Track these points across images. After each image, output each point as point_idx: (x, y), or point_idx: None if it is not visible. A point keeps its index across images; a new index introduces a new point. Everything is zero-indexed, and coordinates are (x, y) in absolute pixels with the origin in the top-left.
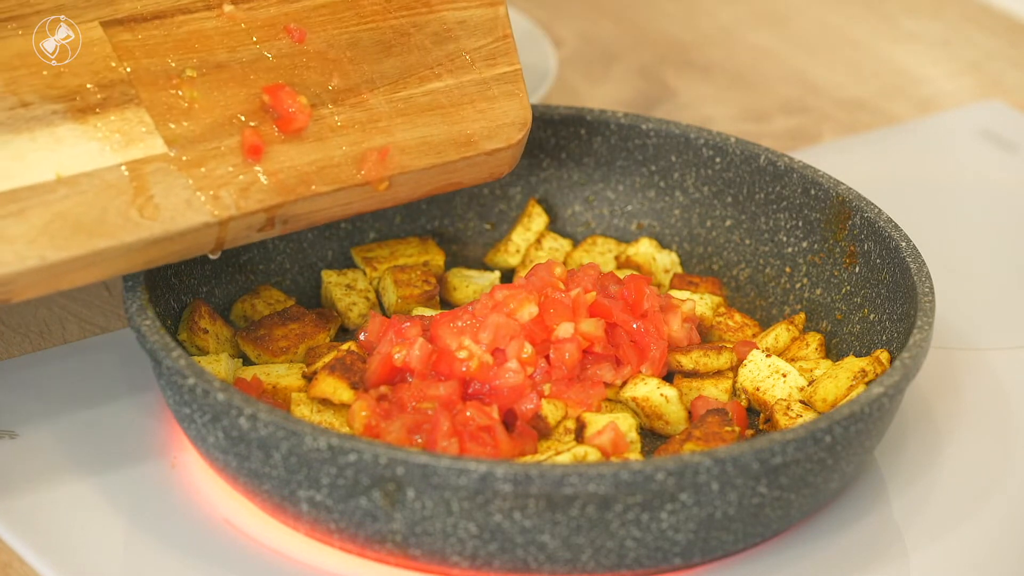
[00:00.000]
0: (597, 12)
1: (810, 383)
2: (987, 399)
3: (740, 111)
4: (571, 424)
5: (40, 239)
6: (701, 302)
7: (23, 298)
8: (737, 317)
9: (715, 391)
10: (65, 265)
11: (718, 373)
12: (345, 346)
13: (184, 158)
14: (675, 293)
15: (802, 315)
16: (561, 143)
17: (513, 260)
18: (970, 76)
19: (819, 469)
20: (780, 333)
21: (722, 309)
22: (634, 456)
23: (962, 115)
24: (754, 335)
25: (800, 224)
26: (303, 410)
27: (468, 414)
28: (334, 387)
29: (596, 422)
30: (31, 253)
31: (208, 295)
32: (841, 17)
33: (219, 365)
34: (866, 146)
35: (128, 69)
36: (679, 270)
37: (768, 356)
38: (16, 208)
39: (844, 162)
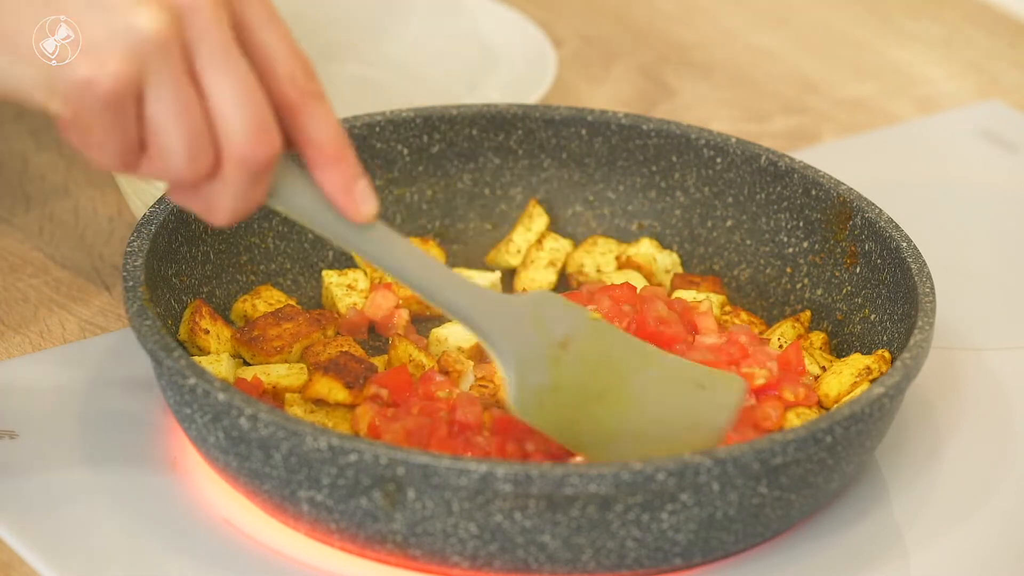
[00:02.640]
0: (597, 12)
1: (814, 378)
2: (988, 399)
3: (740, 111)
4: None
5: None
6: (707, 302)
7: None
8: (743, 315)
9: None
10: None
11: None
12: (340, 345)
13: None
14: (680, 293)
15: (807, 312)
16: (562, 143)
17: (514, 260)
18: (970, 76)
19: (819, 469)
20: (786, 330)
21: (728, 308)
22: None
23: (962, 115)
24: (760, 333)
25: (801, 224)
26: (296, 410)
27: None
28: (329, 388)
29: None
30: None
31: (209, 295)
32: (841, 17)
33: (220, 365)
34: (866, 146)
35: None
36: (680, 270)
37: None
38: None
39: (844, 162)
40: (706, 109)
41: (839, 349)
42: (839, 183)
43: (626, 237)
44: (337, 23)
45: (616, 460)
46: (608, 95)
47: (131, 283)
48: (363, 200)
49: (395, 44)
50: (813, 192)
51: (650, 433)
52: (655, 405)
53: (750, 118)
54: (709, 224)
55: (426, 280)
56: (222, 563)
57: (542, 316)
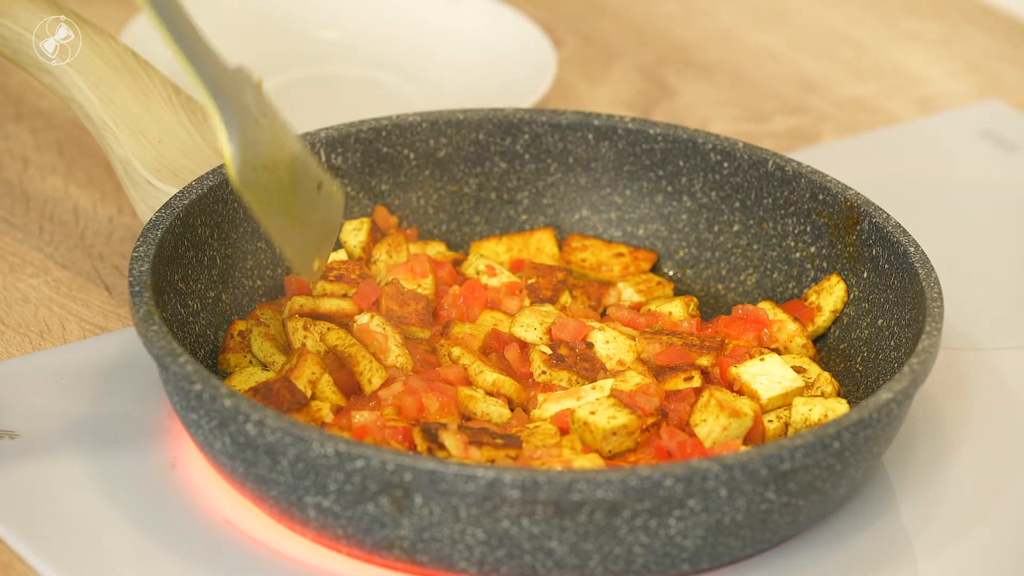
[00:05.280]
0: (597, 12)
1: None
2: (994, 400)
3: (740, 111)
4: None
5: None
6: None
7: None
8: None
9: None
10: None
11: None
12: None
13: None
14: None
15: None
16: (568, 148)
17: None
18: (970, 76)
19: (827, 475)
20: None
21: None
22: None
23: (962, 115)
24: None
25: (808, 229)
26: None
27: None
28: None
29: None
30: None
31: (215, 300)
32: (841, 17)
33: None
34: (866, 146)
35: None
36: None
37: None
38: None
39: (844, 162)
40: (706, 109)
41: (847, 354)
42: (847, 188)
43: (632, 241)
44: (338, 24)
45: (296, 250)
46: (608, 95)
47: (137, 288)
48: None
49: (395, 45)
50: (820, 197)
51: (310, 223)
52: (311, 200)
53: (750, 118)
54: (716, 229)
55: (182, 24)
56: (222, 563)
57: (246, 85)
